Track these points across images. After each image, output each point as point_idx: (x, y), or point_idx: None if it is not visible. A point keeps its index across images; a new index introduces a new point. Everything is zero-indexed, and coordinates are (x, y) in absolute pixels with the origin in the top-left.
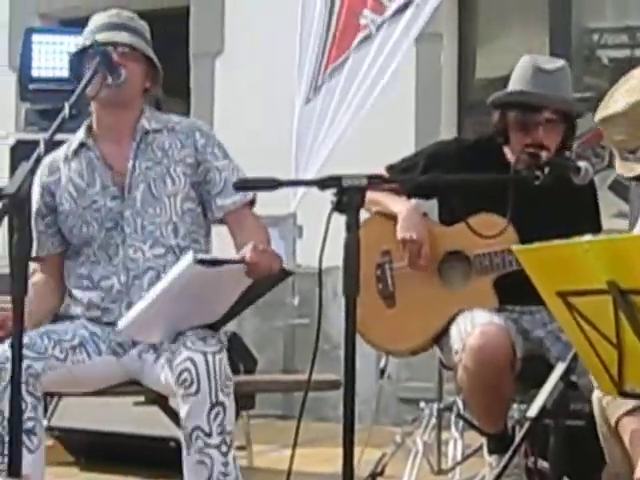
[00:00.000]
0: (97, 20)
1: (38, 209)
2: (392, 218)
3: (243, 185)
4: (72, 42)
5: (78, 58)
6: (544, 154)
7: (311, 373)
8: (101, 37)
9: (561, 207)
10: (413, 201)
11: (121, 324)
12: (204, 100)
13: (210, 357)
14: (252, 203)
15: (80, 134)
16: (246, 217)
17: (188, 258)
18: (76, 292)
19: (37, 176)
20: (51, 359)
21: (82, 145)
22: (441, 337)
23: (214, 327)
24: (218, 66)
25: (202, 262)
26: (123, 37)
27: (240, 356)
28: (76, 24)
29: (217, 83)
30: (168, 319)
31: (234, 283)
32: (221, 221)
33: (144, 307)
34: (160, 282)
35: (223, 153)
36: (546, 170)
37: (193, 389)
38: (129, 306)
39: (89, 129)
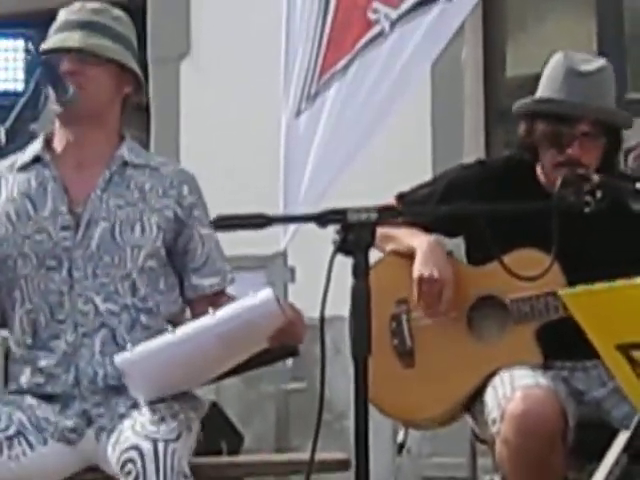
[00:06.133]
0: (58, 20)
1: None
2: (409, 257)
3: (223, 223)
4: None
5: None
6: (595, 176)
7: (314, 450)
8: (48, 44)
9: (617, 240)
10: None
11: (121, 357)
12: (167, 115)
13: (161, 447)
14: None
15: (36, 146)
16: (221, 303)
17: (267, 292)
18: (19, 351)
19: None
20: None
21: (36, 160)
22: (473, 403)
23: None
24: (184, 72)
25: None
26: (74, 39)
27: (221, 432)
28: (12, 23)
29: (183, 93)
30: (172, 371)
31: (256, 343)
32: (189, 303)
33: (165, 342)
34: (207, 317)
35: (207, 218)
36: (598, 194)
37: None
38: (77, 373)
39: (48, 143)
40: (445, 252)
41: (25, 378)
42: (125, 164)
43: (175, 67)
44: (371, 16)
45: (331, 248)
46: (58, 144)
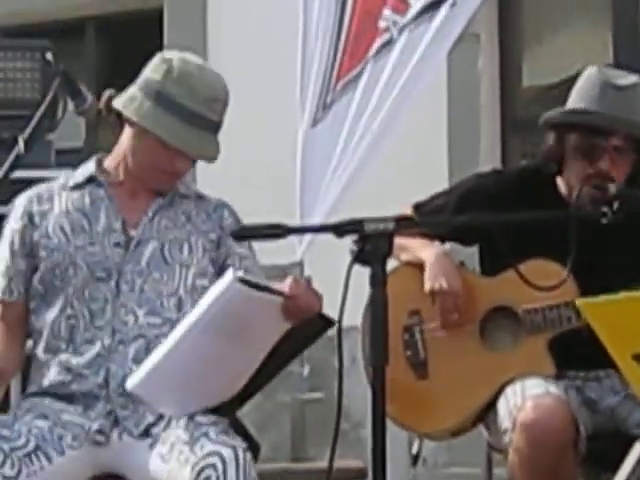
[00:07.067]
0: (194, 83)
1: (21, 244)
2: (420, 268)
3: (243, 233)
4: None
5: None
6: (612, 187)
7: (332, 460)
8: (193, 152)
9: (632, 251)
10: (447, 246)
11: (131, 382)
12: None
13: (241, 454)
14: None
15: (90, 167)
16: None
17: (228, 275)
18: (47, 356)
19: (21, 204)
20: None
21: (91, 179)
22: (487, 413)
23: (223, 411)
24: None
25: (244, 282)
26: (215, 149)
27: None
28: (18, 33)
29: None
30: (187, 376)
31: (270, 326)
32: None
33: (164, 352)
34: (188, 316)
35: (248, 242)
36: (615, 205)
37: None
38: (107, 375)
39: (100, 163)
40: (453, 263)
41: (49, 378)
42: (175, 194)
43: None
44: (381, 24)
45: (348, 258)
46: (116, 171)
